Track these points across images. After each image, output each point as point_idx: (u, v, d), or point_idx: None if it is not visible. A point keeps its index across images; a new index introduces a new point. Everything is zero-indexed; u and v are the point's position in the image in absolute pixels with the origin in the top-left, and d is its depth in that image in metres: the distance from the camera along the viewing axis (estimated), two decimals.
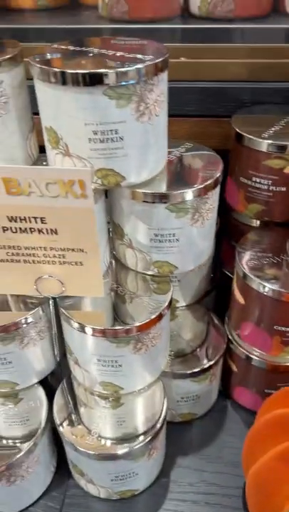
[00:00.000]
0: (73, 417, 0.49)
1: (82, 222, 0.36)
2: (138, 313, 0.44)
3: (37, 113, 0.41)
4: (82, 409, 0.49)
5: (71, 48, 0.40)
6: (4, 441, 0.48)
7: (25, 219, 0.37)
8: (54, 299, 0.44)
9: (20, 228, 0.38)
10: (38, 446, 0.46)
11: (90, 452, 0.45)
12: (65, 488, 0.51)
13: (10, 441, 0.48)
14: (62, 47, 0.40)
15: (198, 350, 0.57)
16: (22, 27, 0.59)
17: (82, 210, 0.36)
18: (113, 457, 0.44)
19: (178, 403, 0.54)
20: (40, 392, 0.50)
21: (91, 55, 0.38)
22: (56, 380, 0.54)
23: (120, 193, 0.43)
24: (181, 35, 0.57)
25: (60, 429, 0.47)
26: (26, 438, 0.47)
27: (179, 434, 0.55)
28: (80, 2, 0.69)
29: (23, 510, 0.48)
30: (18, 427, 0.49)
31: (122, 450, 0.45)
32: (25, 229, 0.38)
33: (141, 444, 0.45)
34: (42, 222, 0.37)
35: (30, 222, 0.37)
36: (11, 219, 0.37)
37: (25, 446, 0.46)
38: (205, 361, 0.54)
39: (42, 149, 0.44)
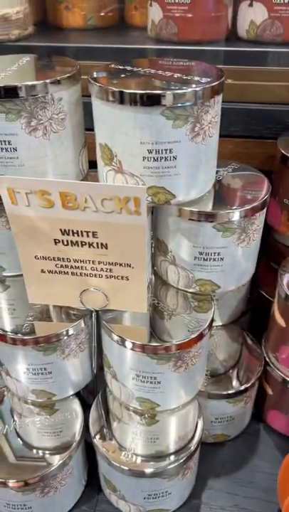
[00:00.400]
0: (105, 431, 0.49)
1: (133, 238, 0.37)
2: (176, 331, 0.44)
3: (88, 129, 0.42)
4: (114, 424, 0.49)
5: (127, 67, 0.41)
6: (35, 452, 0.48)
7: (77, 232, 0.38)
8: (96, 311, 0.45)
9: (71, 241, 0.39)
10: (73, 459, 0.47)
11: (125, 468, 0.45)
12: (95, 503, 0.51)
13: (40, 451, 0.48)
14: (119, 66, 0.42)
15: (231, 370, 0.56)
16: (72, 45, 0.61)
17: (134, 227, 0.36)
18: (148, 474, 0.44)
19: (212, 424, 0.54)
20: (76, 404, 0.50)
21: (147, 75, 0.39)
22: (89, 393, 0.55)
23: (167, 210, 0.43)
24: (228, 57, 0.57)
25: (95, 442, 0.47)
26: (58, 450, 0.47)
27: (211, 455, 0.54)
28: (126, 23, 0.71)
29: None
30: (50, 438, 0.49)
31: (157, 468, 0.44)
32: (76, 242, 0.39)
33: (176, 464, 0.45)
34: (93, 237, 0.38)
35: (82, 235, 0.38)
36: (64, 232, 0.38)
37: (60, 458, 0.46)
38: (239, 383, 0.53)
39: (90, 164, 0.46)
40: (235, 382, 0.54)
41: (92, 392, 0.53)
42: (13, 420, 0.51)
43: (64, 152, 0.41)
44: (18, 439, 0.50)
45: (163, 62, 0.44)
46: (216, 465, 0.54)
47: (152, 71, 0.40)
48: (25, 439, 0.50)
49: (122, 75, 0.39)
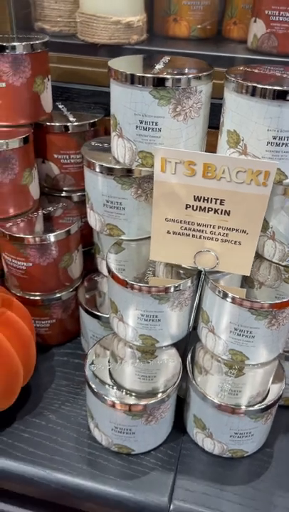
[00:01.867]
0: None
1: (254, 207, 0.45)
2: (265, 298, 0.52)
3: None
4: (200, 377, 0.57)
5: (254, 70, 0.50)
6: (124, 393, 0.56)
7: (207, 199, 0.46)
8: (205, 272, 0.53)
9: (200, 207, 0.47)
10: (172, 397, 0.55)
11: (219, 403, 0.52)
12: (181, 441, 0.58)
13: (129, 394, 0.56)
14: (246, 69, 0.50)
15: None
16: (183, 51, 0.70)
17: (258, 197, 0.44)
18: (239, 411, 0.52)
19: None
20: (174, 353, 0.58)
21: (269, 75, 0.48)
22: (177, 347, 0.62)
23: (274, 189, 0.51)
24: None
25: (193, 382, 0.55)
26: (147, 394, 0.55)
27: (280, 416, 0.61)
28: (223, 35, 0.80)
29: (147, 452, 0.56)
30: (143, 383, 0.57)
31: (247, 407, 0.52)
32: (204, 208, 0.47)
33: (263, 406, 0.52)
34: (220, 204, 0.46)
35: (210, 202, 0.46)
36: (196, 198, 0.46)
37: (163, 393, 0.54)
38: None
39: None
40: None
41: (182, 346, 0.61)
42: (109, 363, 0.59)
43: (195, 136, 0.50)
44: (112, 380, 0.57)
45: (276, 68, 0.53)
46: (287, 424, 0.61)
47: (277, 73, 0.49)
48: (119, 383, 0.57)
49: (252, 74, 0.48)
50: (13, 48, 0.56)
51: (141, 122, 0.48)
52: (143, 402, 0.52)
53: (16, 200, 0.62)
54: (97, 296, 0.67)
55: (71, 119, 0.66)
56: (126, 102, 0.48)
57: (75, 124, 0.65)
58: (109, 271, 0.54)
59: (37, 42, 0.58)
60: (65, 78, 0.71)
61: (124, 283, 0.52)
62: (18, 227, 0.61)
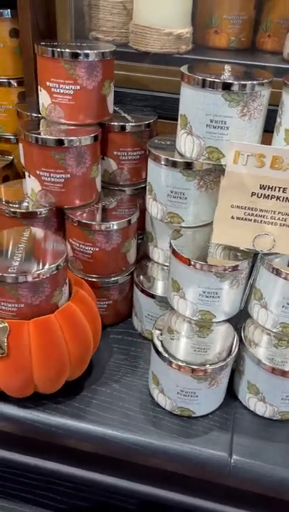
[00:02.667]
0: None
1: None
2: None
3: None
4: (250, 349, 0.64)
5: None
6: (180, 363, 0.62)
7: (272, 188, 0.54)
8: (262, 254, 0.60)
9: (264, 194, 0.55)
10: (229, 364, 0.62)
11: (273, 367, 0.59)
12: (233, 406, 0.65)
13: (183, 364, 0.62)
14: None
15: None
16: (226, 60, 0.78)
17: None
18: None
19: None
20: (228, 326, 0.65)
21: None
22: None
23: None
24: None
25: (250, 350, 0.62)
26: (199, 365, 0.62)
27: None
28: (256, 47, 0.88)
29: (205, 415, 0.63)
30: (197, 355, 0.64)
31: None
32: (268, 195, 0.54)
33: None
34: (283, 192, 0.54)
35: (274, 190, 0.54)
36: (262, 187, 0.54)
37: (224, 361, 0.61)
38: None
39: None
40: None
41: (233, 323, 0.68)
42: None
43: (255, 134, 0.58)
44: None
45: None
46: None
47: None
48: (175, 355, 0.64)
49: None
50: (88, 55, 0.63)
51: (211, 121, 0.56)
52: (209, 367, 0.59)
53: (85, 191, 0.69)
54: (150, 279, 0.74)
55: (129, 119, 0.73)
56: (198, 104, 0.56)
57: (134, 124, 0.72)
58: (174, 252, 0.61)
59: (106, 50, 0.65)
60: (119, 83, 0.79)
61: (187, 261, 0.59)
62: (87, 216, 0.68)
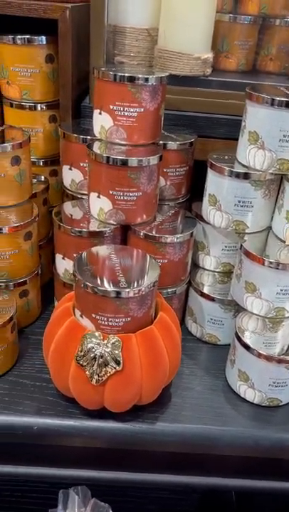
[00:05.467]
0: None
1: None
2: None
3: None
4: None
5: None
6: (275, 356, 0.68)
7: None
8: None
9: None
10: None
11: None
12: None
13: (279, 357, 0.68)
14: None
15: None
16: (243, 82, 0.86)
17: None
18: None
19: None
20: None
21: None
22: None
23: None
24: None
25: None
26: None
27: None
28: (258, 69, 0.97)
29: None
30: (268, 349, 0.70)
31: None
32: None
33: None
34: None
35: None
36: None
37: None
38: None
39: None
40: None
41: None
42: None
43: None
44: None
45: None
46: None
47: None
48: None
49: None
50: (152, 79, 0.67)
51: (284, 136, 0.63)
52: None
53: (150, 207, 0.72)
54: (208, 285, 0.79)
55: (175, 138, 0.78)
56: (272, 121, 0.63)
57: (180, 142, 0.77)
58: (250, 254, 0.66)
59: (163, 75, 0.70)
60: None
61: (261, 261, 0.65)
62: (153, 229, 0.72)
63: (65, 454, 0.66)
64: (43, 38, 0.78)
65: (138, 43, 0.86)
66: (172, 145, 0.76)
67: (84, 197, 0.80)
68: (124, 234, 0.74)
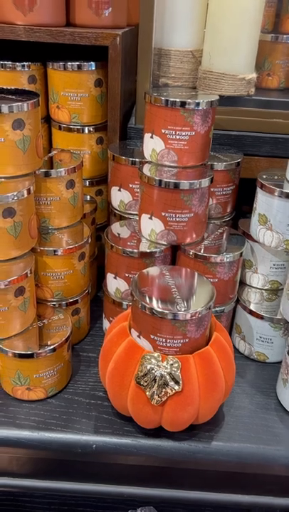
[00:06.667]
0: None
1: None
2: None
3: None
4: None
5: None
6: None
7: None
8: None
9: None
10: None
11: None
12: None
13: None
14: None
15: None
16: (276, 100, 0.87)
17: None
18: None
19: None
20: None
21: None
22: None
23: None
24: None
25: None
26: None
27: None
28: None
29: None
30: None
31: None
32: None
33: None
34: None
35: None
36: None
37: None
38: None
39: None
40: None
41: None
42: None
43: None
44: None
45: None
46: None
47: None
48: None
49: None
50: (200, 104, 0.69)
51: None
52: None
53: (201, 227, 0.74)
54: (253, 303, 0.79)
55: (222, 158, 0.79)
56: None
57: (228, 162, 0.78)
58: None
59: (213, 99, 0.71)
60: None
61: None
62: (203, 249, 0.73)
63: (121, 472, 0.67)
64: (92, 63, 0.80)
65: (182, 65, 0.88)
66: (220, 165, 0.78)
67: (132, 217, 0.82)
68: (173, 253, 0.76)
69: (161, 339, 0.60)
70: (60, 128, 0.85)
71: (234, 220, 0.86)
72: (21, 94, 0.67)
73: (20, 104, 0.61)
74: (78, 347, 0.81)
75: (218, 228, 0.80)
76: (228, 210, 0.84)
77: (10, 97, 0.65)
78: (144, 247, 0.73)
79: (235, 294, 0.79)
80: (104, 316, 0.83)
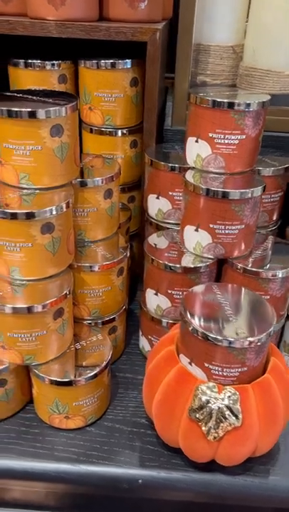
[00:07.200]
0: None
1: None
2: None
3: None
4: None
5: None
6: None
7: None
8: None
9: None
10: None
11: None
12: None
13: None
14: None
15: None
16: None
17: None
18: None
19: None
20: None
21: None
22: None
23: None
24: None
25: None
26: None
27: None
28: None
29: None
30: None
31: None
32: None
33: None
34: None
35: None
36: None
37: None
38: None
39: None
40: None
41: None
42: None
43: None
44: None
45: None
46: None
47: None
48: None
49: None
50: (251, 105, 0.62)
51: None
52: None
53: (250, 239, 0.68)
54: None
55: (270, 162, 0.73)
56: None
57: (276, 168, 0.72)
58: None
59: (265, 100, 0.65)
60: None
61: None
62: (254, 263, 0.67)
63: (167, 509, 0.62)
64: (128, 61, 0.74)
65: (222, 61, 0.81)
66: (267, 171, 0.72)
67: (170, 226, 0.76)
68: (219, 268, 0.70)
69: (216, 368, 0.55)
70: (91, 131, 0.79)
71: (280, 229, 0.80)
72: (56, 96, 0.62)
73: (58, 108, 0.56)
74: (114, 367, 0.76)
75: (264, 238, 0.74)
76: (274, 218, 0.77)
77: (45, 99, 0.59)
78: (188, 261, 0.67)
79: (286, 310, 0.73)
80: (140, 333, 0.77)
